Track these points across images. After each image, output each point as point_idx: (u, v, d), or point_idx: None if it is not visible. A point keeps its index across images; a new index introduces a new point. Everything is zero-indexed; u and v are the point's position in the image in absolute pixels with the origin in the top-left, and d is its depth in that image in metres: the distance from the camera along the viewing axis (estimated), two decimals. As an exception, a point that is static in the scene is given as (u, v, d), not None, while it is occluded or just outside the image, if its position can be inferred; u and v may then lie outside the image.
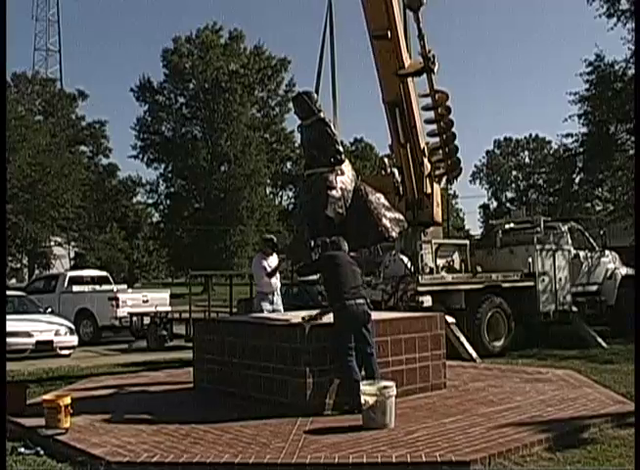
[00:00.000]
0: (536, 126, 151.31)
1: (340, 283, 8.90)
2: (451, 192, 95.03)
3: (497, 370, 12.41)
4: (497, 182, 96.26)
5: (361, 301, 8.82)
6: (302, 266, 10.12)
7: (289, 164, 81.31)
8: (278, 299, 12.36)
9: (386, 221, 10.16)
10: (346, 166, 10.29)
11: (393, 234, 10.21)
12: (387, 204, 10.48)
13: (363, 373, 8.80)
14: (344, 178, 10.11)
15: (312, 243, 9.84)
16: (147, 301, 22.86)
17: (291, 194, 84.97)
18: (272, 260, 12.36)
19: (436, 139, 16.55)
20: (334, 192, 9.88)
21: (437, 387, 10.17)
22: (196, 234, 63.66)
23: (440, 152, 16.51)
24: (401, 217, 10.54)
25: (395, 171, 16.98)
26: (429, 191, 16.41)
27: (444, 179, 16.93)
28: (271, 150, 72.83)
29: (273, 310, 12.04)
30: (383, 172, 17.81)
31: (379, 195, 10.44)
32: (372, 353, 8.91)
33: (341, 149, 10.12)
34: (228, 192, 63.67)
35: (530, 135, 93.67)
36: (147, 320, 21.09)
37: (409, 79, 16.21)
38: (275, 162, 73.97)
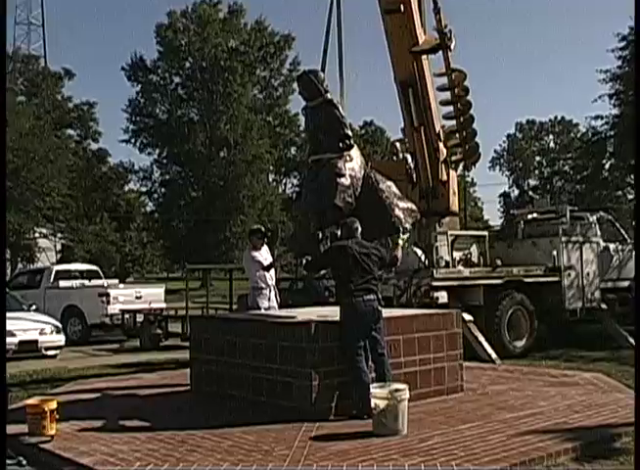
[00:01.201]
0: (562, 108, 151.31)
1: (348, 277, 8.88)
2: (469, 179, 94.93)
3: (519, 372, 12.40)
4: (519, 169, 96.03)
5: (371, 297, 8.81)
6: (310, 262, 10.09)
7: (293, 150, 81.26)
8: (273, 295, 12.36)
9: (398, 212, 10.13)
10: (356, 152, 10.26)
11: (407, 225, 10.18)
12: (398, 193, 10.45)
13: (373, 375, 8.81)
14: (354, 165, 10.08)
15: (320, 235, 9.81)
16: (140, 297, 22.90)
17: (295, 181, 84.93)
18: (264, 253, 12.35)
19: (453, 122, 16.53)
20: (343, 180, 9.84)
21: (454, 390, 10.17)
22: (193, 225, 63.71)
23: (457, 136, 16.49)
24: (414, 207, 10.51)
25: (408, 157, 16.95)
26: (444, 178, 16.40)
27: (461, 165, 16.92)
28: (274, 134, 72.77)
29: (269, 308, 12.04)
30: (394, 158, 17.78)
31: (390, 183, 10.41)
32: (383, 354, 8.92)
33: (350, 133, 10.08)
34: (228, 179, 63.69)
35: (556, 117, 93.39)
36: (140, 318, 21.14)
37: (423, 57, 16.18)
38: (278, 146, 73.91)
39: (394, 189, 10.41)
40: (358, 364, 8.68)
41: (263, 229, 12.95)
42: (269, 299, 12.19)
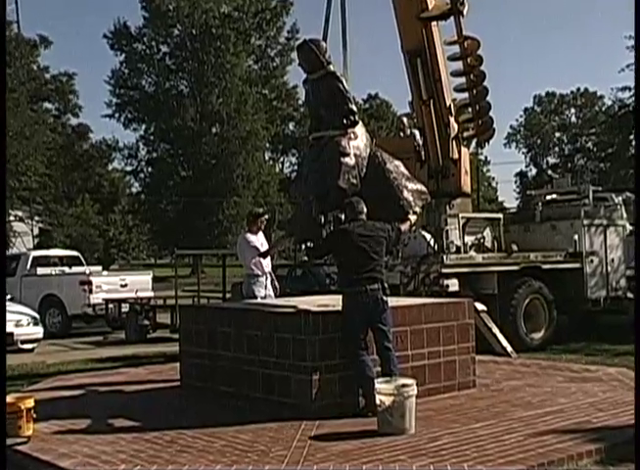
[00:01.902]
0: (585, 78, 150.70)
1: (351, 265, 8.89)
2: (482, 157, 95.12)
3: (536, 367, 12.42)
4: (537, 146, 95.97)
5: (375, 286, 8.80)
6: (312, 248, 10.11)
7: (291, 125, 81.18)
8: (269, 283, 12.38)
9: (407, 194, 10.10)
10: (360, 129, 10.23)
11: (417, 209, 10.17)
12: (407, 173, 10.43)
13: (378, 369, 8.83)
14: (358, 143, 10.05)
15: (322, 219, 9.79)
16: (125, 285, 22.93)
17: (294, 160, 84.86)
18: (260, 238, 12.37)
19: (465, 95, 16.50)
20: (347, 159, 9.81)
21: (466, 386, 10.20)
22: (183, 207, 63.69)
23: (470, 110, 16.46)
24: (424, 189, 10.50)
25: (416, 133, 16.94)
26: (455, 156, 16.39)
27: (474, 142, 16.92)
28: (270, 108, 72.64)
29: (265, 296, 12.06)
30: (401, 134, 17.79)
31: (398, 163, 10.39)
32: (389, 347, 8.93)
33: (354, 108, 10.05)
34: (220, 158, 63.66)
35: (578, 89, 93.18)
36: (125, 308, 21.19)
37: (433, 24, 16.15)
38: (275, 122, 73.79)
39: (403, 169, 10.39)
40: (361, 358, 8.70)
41: (262, 211, 12.98)
42: (265, 287, 12.21)
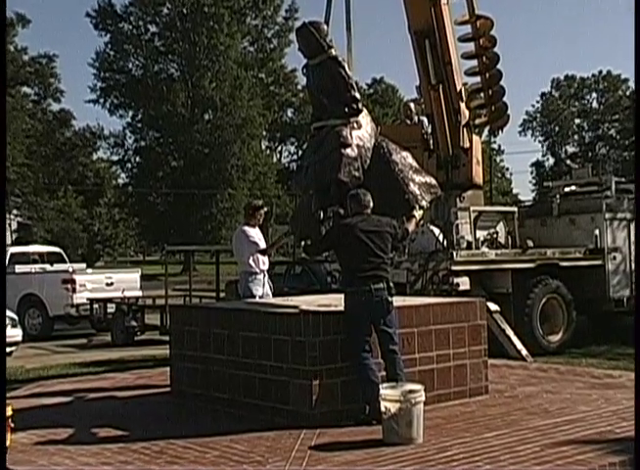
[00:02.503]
0: (608, 60, 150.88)
1: (353, 262, 8.88)
2: (495, 146, 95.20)
3: (554, 372, 12.43)
4: (555, 133, 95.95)
5: (380, 285, 8.79)
6: (310, 245, 10.09)
7: (290, 112, 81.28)
8: (266, 280, 12.38)
9: (414, 187, 10.08)
10: (364, 118, 10.22)
11: (423, 203, 10.13)
12: (415, 165, 10.42)
13: (383, 374, 8.84)
14: (362, 133, 10.05)
15: (321, 214, 9.79)
16: (111, 283, 22.95)
17: (292, 149, 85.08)
18: (258, 233, 12.37)
19: (477, 79, 16.51)
20: (348, 150, 9.80)
21: (477, 392, 10.20)
22: (173, 200, 63.79)
23: (482, 95, 16.47)
24: (434, 182, 10.49)
25: (424, 120, 16.96)
26: (466, 145, 16.40)
27: (486, 130, 16.92)
28: (267, 93, 72.69)
29: (263, 295, 12.07)
30: (408, 122, 17.78)
31: (405, 153, 10.37)
32: (395, 350, 8.92)
33: (357, 96, 10.03)
34: (213, 147, 63.68)
35: (600, 72, 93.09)
36: (111, 308, 21.19)
37: (443, 2, 16.16)
38: (272, 108, 73.82)
39: (411, 160, 10.37)
40: (365, 362, 8.70)
41: (261, 204, 12.94)
42: (263, 285, 12.21)
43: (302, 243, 10.43)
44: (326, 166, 9.78)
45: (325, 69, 9.96)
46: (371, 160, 10.00)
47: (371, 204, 9.22)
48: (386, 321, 8.84)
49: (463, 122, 16.34)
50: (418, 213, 9.95)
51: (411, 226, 9.73)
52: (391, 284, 8.96)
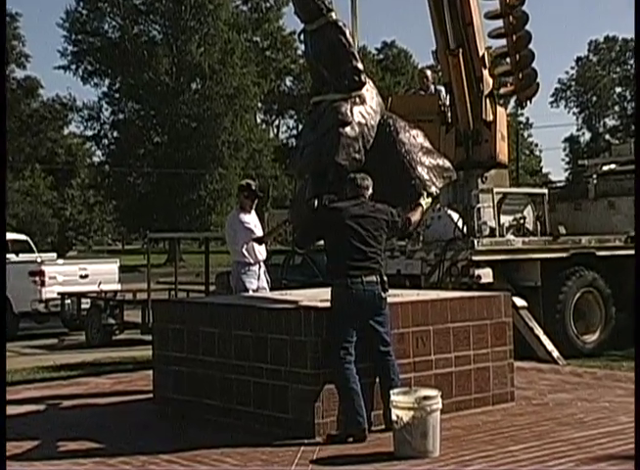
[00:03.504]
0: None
1: (341, 250, 8.85)
2: (522, 119, 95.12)
3: (590, 377, 12.44)
4: (592, 104, 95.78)
5: (372, 278, 8.76)
6: (300, 235, 10.08)
7: (288, 80, 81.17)
8: (262, 273, 12.37)
9: (422, 171, 10.03)
10: (368, 92, 10.18)
11: (433, 189, 10.08)
12: (426, 145, 10.37)
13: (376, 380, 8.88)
14: (365, 109, 10.00)
15: (315, 202, 9.73)
16: (86, 276, 22.95)
17: (291, 123, 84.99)
18: (254, 219, 12.34)
19: (503, 42, 16.46)
20: (348, 129, 9.75)
21: (502, 399, 10.22)
22: (156, 180, 63.77)
23: (508, 60, 16.43)
24: (447, 165, 10.46)
25: (442, 90, 16.92)
26: (490, 118, 16.37)
27: (513, 100, 16.89)
28: (263, 59, 72.67)
29: (258, 289, 12.07)
30: (423, 92, 17.74)
31: (415, 132, 10.34)
32: (387, 352, 8.90)
33: (360, 66, 9.97)
34: (202, 120, 63.63)
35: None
36: (86, 304, 21.20)
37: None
38: (268, 76, 73.81)
39: (421, 140, 10.33)
40: (345, 368, 8.62)
41: (255, 185, 12.83)
42: (259, 278, 12.21)
43: (295, 235, 10.42)
44: (322, 147, 9.73)
45: (323, 35, 9.92)
46: (375, 139, 9.96)
47: (370, 189, 9.15)
48: (378, 319, 8.82)
49: (486, 92, 16.28)
50: (426, 202, 9.84)
51: (415, 216, 9.62)
52: (385, 278, 8.91)
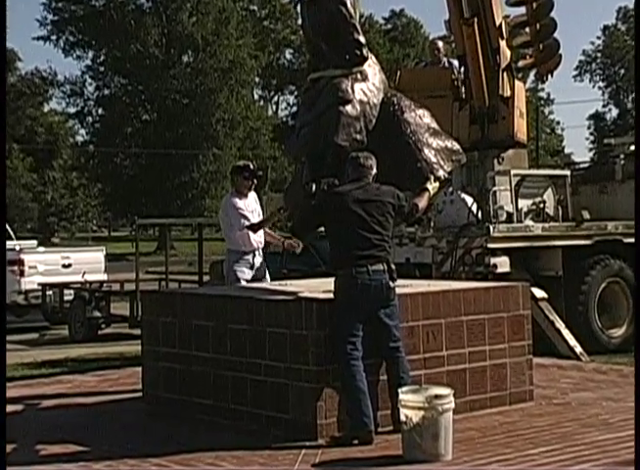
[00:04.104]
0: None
1: (344, 239, 8.84)
2: (543, 95, 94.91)
3: (616, 374, 12.43)
4: (620, 78, 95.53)
5: (379, 267, 8.75)
6: (296, 223, 10.05)
7: (288, 53, 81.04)
8: (261, 262, 12.32)
9: (429, 153, 10.00)
10: (371, 67, 10.16)
11: (440, 173, 10.05)
12: (434, 126, 10.35)
13: (383, 377, 8.90)
14: (367, 86, 9.98)
15: (313, 187, 9.72)
16: (69, 265, 22.99)
17: (292, 99, 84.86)
18: (252, 203, 12.29)
19: (522, 10, 16.44)
20: (349, 107, 9.73)
21: (520, 398, 10.24)
22: (145, 162, 63.75)
23: (528, 30, 16.41)
24: (456, 147, 10.45)
25: (455, 63, 16.91)
26: (507, 93, 16.36)
27: (533, 74, 16.87)
28: (261, 30, 72.53)
29: (254, 279, 12.02)
30: (434, 65, 17.72)
31: (422, 111, 10.32)
32: (397, 348, 8.90)
33: (362, 39, 9.93)
34: (195, 96, 63.59)
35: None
36: (69, 295, 21.23)
37: None
38: (267, 49, 73.71)
39: (428, 120, 10.32)
40: (351, 362, 8.63)
41: (252, 166, 12.70)
42: (252, 267, 12.14)
43: (291, 223, 10.37)
44: (320, 128, 9.71)
45: (322, 5, 9.89)
46: (378, 119, 9.94)
47: (374, 170, 9.11)
48: (386, 312, 8.83)
49: (503, 65, 16.26)
50: (433, 186, 9.79)
51: (422, 202, 9.55)
52: (393, 266, 8.89)
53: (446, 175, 10.26)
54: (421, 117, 10.19)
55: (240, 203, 12.06)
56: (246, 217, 11.93)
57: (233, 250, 12.17)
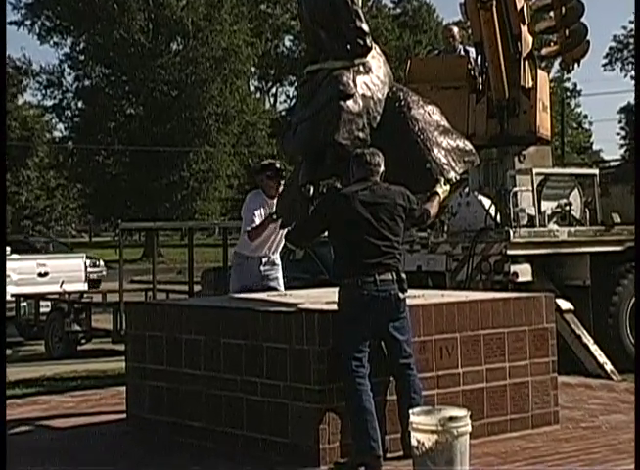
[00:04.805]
0: None
1: (350, 246, 8.84)
2: (569, 85, 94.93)
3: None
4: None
5: (388, 276, 8.75)
6: (294, 229, 10.00)
7: (287, 40, 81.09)
8: (274, 270, 12.26)
9: (438, 153, 9.99)
10: (375, 59, 10.16)
11: (452, 175, 10.04)
12: (444, 123, 10.36)
13: (392, 397, 8.89)
14: (370, 79, 9.98)
15: (311, 190, 9.72)
16: (45, 274, 23.01)
17: (291, 91, 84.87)
18: (272, 205, 12.19)
19: (545, -9, 16.46)
20: (350, 102, 9.73)
21: (544, 421, 10.24)
22: (129, 160, 63.78)
23: (552, 14, 16.42)
24: (468, 147, 10.43)
25: (471, 51, 16.91)
26: (529, 84, 16.37)
27: (557, 63, 16.88)
28: (258, 15, 72.56)
29: (266, 288, 11.91)
30: (448, 53, 17.73)
31: (430, 107, 10.33)
32: (409, 365, 8.91)
33: (365, 27, 9.92)
34: (185, 88, 63.64)
35: None
36: (46, 307, 21.23)
37: None
38: (264, 35, 73.74)
39: (437, 117, 10.33)
40: (356, 381, 8.62)
41: (278, 165, 12.41)
42: (250, 275, 12.02)
43: (286, 229, 10.31)
44: (319, 124, 9.70)
45: None
46: (382, 116, 9.95)
47: (381, 168, 9.07)
48: (396, 325, 8.83)
49: (525, 53, 16.27)
50: (443, 190, 9.77)
51: (433, 207, 9.55)
52: (403, 275, 8.88)
53: (458, 178, 10.27)
54: (430, 114, 10.20)
55: (255, 203, 11.84)
56: (253, 221, 11.74)
57: (236, 252, 12.14)
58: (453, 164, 10.03)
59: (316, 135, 9.68)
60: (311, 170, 9.73)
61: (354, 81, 9.75)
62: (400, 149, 9.83)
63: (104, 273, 22.60)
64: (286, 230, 10.13)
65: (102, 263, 33.71)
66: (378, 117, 9.87)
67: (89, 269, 22.44)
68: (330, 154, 9.60)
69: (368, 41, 9.88)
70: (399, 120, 9.97)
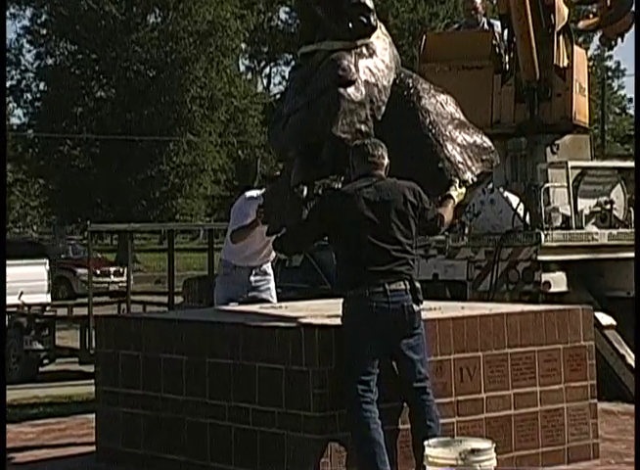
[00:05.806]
0: None
1: (355, 251, 8.86)
2: (610, 64, 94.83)
3: None
4: None
5: (400, 286, 8.77)
6: (285, 235, 9.98)
7: (283, 13, 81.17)
8: (265, 280, 12.29)
9: (453, 150, 10.01)
10: (380, 40, 10.18)
11: (468, 175, 10.05)
12: (459, 115, 10.37)
13: (406, 427, 8.92)
14: (375, 63, 9.99)
15: (304, 191, 9.73)
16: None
17: (286, 72, 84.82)
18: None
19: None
20: (351, 90, 9.72)
21: (581, 454, 10.26)
22: (100, 151, 63.80)
23: (590, -17, 16.45)
24: (488, 143, 10.43)
25: (496, 25, 16.94)
26: (564, 63, 16.39)
27: (597, 38, 16.90)
28: (248, -17, 72.65)
29: (253, 300, 11.96)
30: (469, 27, 17.77)
31: (444, 97, 10.34)
32: (423, 388, 8.93)
33: (369, 3, 9.93)
34: (164, 68, 63.68)
35: None
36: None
37: None
38: (256, 7, 73.81)
39: (452, 108, 10.34)
40: (363, 407, 8.64)
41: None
42: (249, 286, 12.05)
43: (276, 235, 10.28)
44: (315, 115, 9.71)
45: None
46: (388, 106, 9.96)
47: (385, 160, 9.09)
48: (409, 343, 8.84)
49: (559, 27, 16.27)
50: (458, 193, 9.75)
51: (447, 213, 9.53)
52: (418, 285, 8.90)
53: (474, 179, 10.22)
54: (443, 105, 10.21)
55: (245, 205, 11.90)
56: (242, 221, 11.75)
57: (227, 261, 12.16)
58: (469, 164, 10.03)
59: (311, 127, 9.67)
60: (305, 168, 9.72)
61: (356, 66, 9.74)
62: (408, 145, 9.85)
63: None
64: (274, 237, 10.02)
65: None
66: (383, 108, 9.88)
67: (113, 279, 22.40)
68: (327, 149, 9.60)
69: (372, 19, 9.87)
70: (408, 112, 10.00)
